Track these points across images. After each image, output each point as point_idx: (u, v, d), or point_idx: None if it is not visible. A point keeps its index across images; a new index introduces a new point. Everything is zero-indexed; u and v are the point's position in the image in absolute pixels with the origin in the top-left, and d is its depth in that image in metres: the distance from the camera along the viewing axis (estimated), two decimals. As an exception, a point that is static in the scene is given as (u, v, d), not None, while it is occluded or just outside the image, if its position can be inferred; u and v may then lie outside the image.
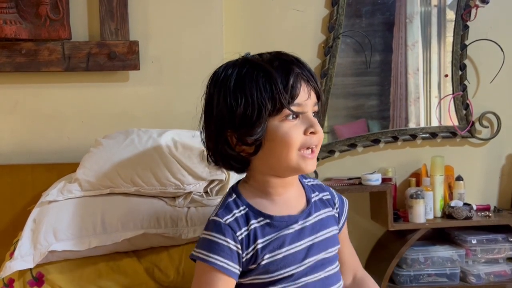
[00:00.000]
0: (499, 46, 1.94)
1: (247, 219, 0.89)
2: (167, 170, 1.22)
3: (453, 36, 1.96)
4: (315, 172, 1.91)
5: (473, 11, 1.93)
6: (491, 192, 2.04)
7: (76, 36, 1.64)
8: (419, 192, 1.79)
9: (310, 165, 0.88)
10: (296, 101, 0.85)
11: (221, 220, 0.88)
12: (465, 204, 1.86)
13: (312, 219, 0.94)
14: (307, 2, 1.90)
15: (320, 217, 0.96)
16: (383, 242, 1.96)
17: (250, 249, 0.88)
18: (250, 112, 0.85)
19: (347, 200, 1.06)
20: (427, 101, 2.02)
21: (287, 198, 0.94)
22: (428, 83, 2.01)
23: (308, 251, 0.91)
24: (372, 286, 1.04)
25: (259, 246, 0.87)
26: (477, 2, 1.94)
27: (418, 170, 1.97)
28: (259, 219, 0.90)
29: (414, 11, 1.98)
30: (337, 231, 0.99)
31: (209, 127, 0.92)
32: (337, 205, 1.02)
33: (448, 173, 1.93)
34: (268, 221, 0.90)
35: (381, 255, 1.91)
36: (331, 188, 1.05)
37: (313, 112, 0.90)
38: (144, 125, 1.46)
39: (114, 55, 1.64)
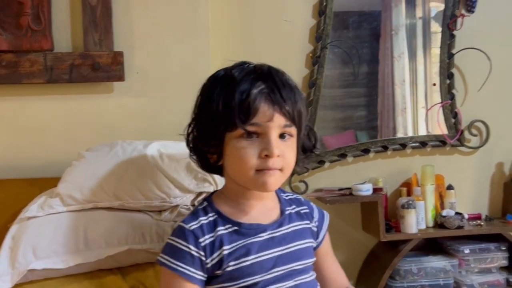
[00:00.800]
0: (485, 54, 1.94)
1: (214, 225, 0.88)
2: (153, 183, 1.18)
3: (440, 45, 1.96)
4: (305, 183, 1.88)
5: (459, 20, 1.93)
6: (482, 201, 2.03)
7: (58, 47, 1.61)
8: (410, 202, 1.77)
9: (269, 183, 0.85)
10: (253, 120, 0.83)
11: (185, 226, 0.88)
12: (456, 213, 1.84)
13: (283, 230, 0.92)
14: (295, 12, 1.88)
15: (293, 228, 0.94)
16: (375, 253, 1.93)
17: (215, 255, 0.86)
18: (208, 123, 0.86)
19: (328, 215, 1.04)
20: (415, 111, 2.01)
21: (259, 209, 0.92)
22: (415, 93, 2.00)
23: (277, 261, 0.89)
24: None
25: (225, 252, 0.86)
26: (463, 12, 1.94)
27: (408, 179, 1.95)
28: (227, 226, 0.89)
29: (400, 23, 1.98)
30: (313, 244, 0.97)
31: (189, 128, 0.94)
32: (315, 219, 0.99)
33: (438, 182, 1.92)
34: (236, 228, 0.89)
35: (373, 267, 1.87)
36: (311, 203, 1.03)
37: (285, 134, 0.87)
38: (129, 138, 1.42)
39: (98, 66, 1.61)
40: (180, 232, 0.88)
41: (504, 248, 1.84)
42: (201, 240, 0.86)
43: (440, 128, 1.96)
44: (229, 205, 0.92)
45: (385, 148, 1.93)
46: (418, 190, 1.84)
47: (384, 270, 1.75)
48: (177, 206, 1.20)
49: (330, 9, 1.86)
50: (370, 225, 1.85)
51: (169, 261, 0.86)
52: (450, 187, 1.90)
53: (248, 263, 0.87)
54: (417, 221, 1.79)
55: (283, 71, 0.91)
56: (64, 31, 1.61)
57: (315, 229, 0.99)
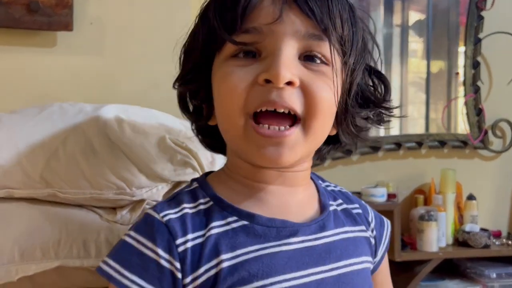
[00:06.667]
0: (519, 40, 1.65)
1: (207, 218, 0.54)
2: (105, 164, 0.77)
3: (466, 29, 1.66)
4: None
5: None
6: (501, 215, 1.74)
7: (-21, -25, 1.17)
8: (431, 213, 1.43)
9: (270, 152, 0.52)
10: (246, 24, 0.51)
11: (155, 215, 0.54)
12: (481, 229, 1.52)
13: (328, 237, 0.57)
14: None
15: (343, 236, 0.59)
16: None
17: (203, 270, 0.52)
18: (190, 46, 0.59)
19: (389, 222, 0.69)
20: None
21: (285, 199, 0.58)
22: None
23: None
24: None
25: (224, 265, 0.51)
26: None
27: (422, 185, 1.63)
28: (229, 220, 0.54)
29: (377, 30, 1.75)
30: (371, 264, 0.62)
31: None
32: (372, 225, 0.64)
33: (456, 191, 1.60)
34: (245, 223, 0.54)
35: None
36: (362, 201, 0.68)
37: (314, 53, 0.52)
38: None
39: (36, 6, 1.20)
40: (145, 224, 0.54)
41: (531, 274, 1.54)
42: (179, 240, 0.52)
43: (464, 125, 1.66)
44: (235, 190, 0.57)
45: (398, 145, 1.59)
46: (439, 199, 1.52)
47: (396, 297, 1.40)
48: (142, 201, 0.80)
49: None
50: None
51: (118, 272, 0.52)
52: (471, 197, 1.59)
53: None
54: (437, 237, 1.45)
55: None
56: (-11, -48, 1.18)
57: (372, 241, 0.63)
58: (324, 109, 0.53)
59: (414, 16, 1.80)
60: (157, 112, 0.94)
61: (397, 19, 1.78)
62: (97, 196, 0.77)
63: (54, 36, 1.25)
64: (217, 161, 0.86)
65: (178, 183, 0.81)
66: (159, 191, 0.80)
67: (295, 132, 0.52)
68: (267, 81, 0.50)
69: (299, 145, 0.52)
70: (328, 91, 0.53)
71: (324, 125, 0.54)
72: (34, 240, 0.72)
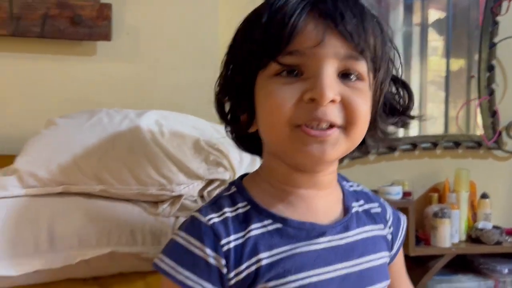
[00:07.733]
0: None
1: (246, 221, 0.61)
2: (149, 164, 0.87)
3: (481, 33, 1.71)
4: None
5: (505, 4, 1.69)
6: (512, 213, 1.78)
7: (29, -8, 1.27)
8: (445, 211, 1.50)
9: (316, 149, 0.57)
10: (290, 46, 0.56)
11: (202, 219, 0.61)
12: (494, 226, 1.58)
13: (351, 236, 0.64)
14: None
15: (364, 235, 0.66)
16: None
17: (244, 266, 0.59)
18: (234, 62, 0.63)
19: (405, 218, 0.75)
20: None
21: (314, 203, 0.64)
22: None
23: (342, 283, 0.61)
24: None
25: (263, 263, 0.59)
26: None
27: (437, 184, 1.69)
28: (265, 222, 0.61)
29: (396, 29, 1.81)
30: (388, 258, 0.70)
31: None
32: (389, 223, 0.71)
33: (470, 190, 1.66)
34: (279, 226, 0.61)
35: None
36: (382, 199, 0.74)
37: (351, 73, 0.58)
38: (112, 112, 1.11)
39: (79, 19, 1.29)
40: (193, 227, 0.61)
41: (545, 269, 1.59)
42: (223, 241, 0.59)
43: (478, 126, 1.71)
44: (269, 192, 0.63)
45: (414, 146, 1.66)
46: (453, 197, 1.58)
47: (410, 290, 1.47)
48: (179, 196, 0.89)
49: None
50: (395, 236, 1.57)
51: (173, 268, 0.59)
52: (484, 196, 1.65)
53: (298, 283, 0.58)
54: (450, 233, 1.52)
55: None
56: (38, -29, 1.28)
57: (389, 237, 0.70)
58: (363, 120, 0.58)
59: (434, 15, 1.81)
60: (191, 116, 1.03)
61: (416, 17, 1.79)
62: (142, 191, 0.86)
63: (94, 46, 1.33)
64: (245, 160, 0.95)
65: (211, 181, 0.91)
66: (195, 188, 0.89)
67: (336, 131, 0.57)
68: (312, 99, 0.56)
69: (340, 144, 0.57)
70: (365, 104, 0.59)
71: (362, 131, 0.60)
72: (89, 230, 0.82)
